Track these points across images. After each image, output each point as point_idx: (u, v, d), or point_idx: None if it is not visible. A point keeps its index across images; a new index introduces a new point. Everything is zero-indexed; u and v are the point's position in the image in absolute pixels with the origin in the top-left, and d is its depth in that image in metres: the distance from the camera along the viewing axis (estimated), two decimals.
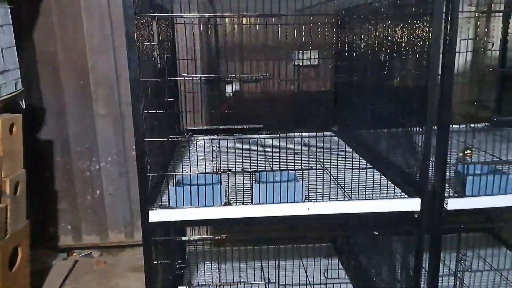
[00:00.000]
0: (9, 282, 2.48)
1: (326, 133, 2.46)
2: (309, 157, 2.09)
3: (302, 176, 1.72)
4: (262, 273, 2.49)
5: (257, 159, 1.69)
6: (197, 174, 1.63)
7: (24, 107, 2.80)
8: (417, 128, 1.68)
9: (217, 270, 2.39)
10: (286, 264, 2.48)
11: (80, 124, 3.25)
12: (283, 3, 1.78)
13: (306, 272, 2.48)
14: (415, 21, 1.69)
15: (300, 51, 2.98)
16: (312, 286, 2.21)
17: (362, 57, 2.20)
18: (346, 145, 2.40)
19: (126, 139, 3.29)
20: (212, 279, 2.46)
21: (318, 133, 2.16)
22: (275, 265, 2.44)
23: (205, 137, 1.96)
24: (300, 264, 2.60)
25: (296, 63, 3.06)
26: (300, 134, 2.41)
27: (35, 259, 2.82)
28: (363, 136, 2.29)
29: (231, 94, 3.06)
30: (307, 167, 1.66)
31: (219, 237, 1.72)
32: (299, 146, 2.35)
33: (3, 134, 2.43)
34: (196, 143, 2.34)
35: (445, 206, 1.70)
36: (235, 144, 1.69)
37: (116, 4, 3.08)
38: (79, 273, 3.15)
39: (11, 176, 2.49)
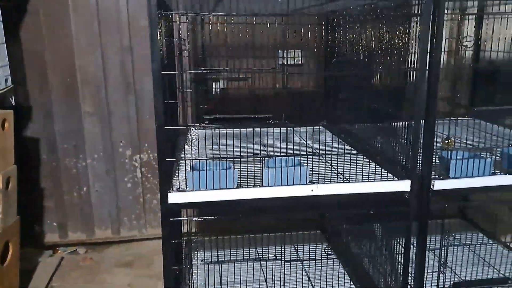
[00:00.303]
0: (0, 278, 2.49)
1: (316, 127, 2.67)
2: (313, 148, 2.25)
3: (307, 162, 1.88)
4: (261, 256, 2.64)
5: (267, 147, 1.83)
6: (213, 159, 1.76)
7: (14, 103, 2.81)
8: (407, 122, 1.88)
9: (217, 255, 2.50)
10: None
11: (67, 122, 3.25)
12: (279, 5, 1.94)
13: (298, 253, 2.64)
14: (402, 23, 1.89)
15: (287, 51, 3.13)
16: (314, 262, 2.37)
17: (351, 58, 2.39)
18: (337, 138, 2.59)
19: (113, 137, 3.32)
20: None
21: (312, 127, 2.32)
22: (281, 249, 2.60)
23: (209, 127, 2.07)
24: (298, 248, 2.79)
25: (281, 62, 3.20)
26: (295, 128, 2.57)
27: (21, 257, 2.81)
28: (354, 129, 2.48)
29: (217, 92, 3.17)
30: (311, 153, 1.82)
31: (227, 217, 1.84)
32: (295, 139, 2.52)
33: None
34: (209, 131, 2.47)
35: (431, 187, 1.91)
36: (246, 132, 1.82)
37: (105, 4, 3.14)
38: (66, 270, 3.15)
39: (3, 172, 2.49)
